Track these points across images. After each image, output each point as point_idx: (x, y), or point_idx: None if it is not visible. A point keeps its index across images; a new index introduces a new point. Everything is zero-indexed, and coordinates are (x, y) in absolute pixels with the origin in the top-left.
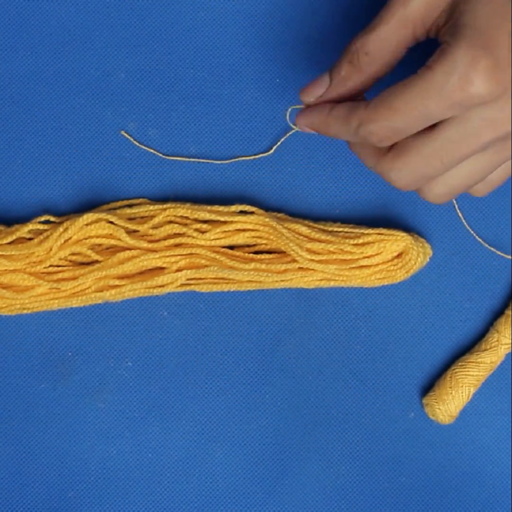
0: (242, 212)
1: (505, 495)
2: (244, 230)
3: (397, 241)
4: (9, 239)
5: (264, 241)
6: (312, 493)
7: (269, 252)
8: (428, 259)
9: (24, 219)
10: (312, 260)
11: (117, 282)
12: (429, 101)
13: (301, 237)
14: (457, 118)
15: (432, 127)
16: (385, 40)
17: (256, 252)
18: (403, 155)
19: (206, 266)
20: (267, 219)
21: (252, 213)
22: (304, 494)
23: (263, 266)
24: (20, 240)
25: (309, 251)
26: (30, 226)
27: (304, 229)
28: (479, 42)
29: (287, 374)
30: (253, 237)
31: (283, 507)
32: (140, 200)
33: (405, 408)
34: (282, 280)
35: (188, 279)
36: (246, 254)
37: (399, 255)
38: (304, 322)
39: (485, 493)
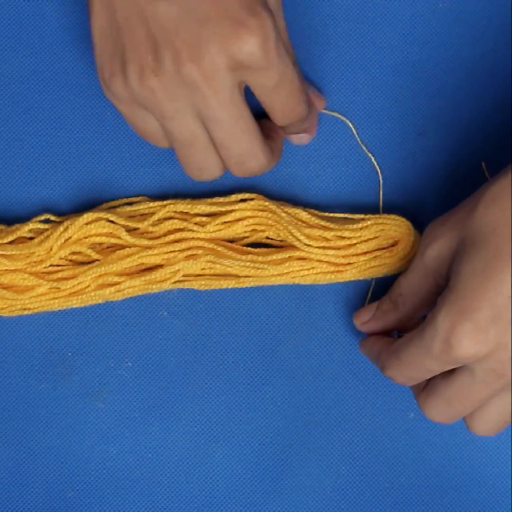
0: (242, 201)
1: (505, 495)
2: (243, 218)
3: (395, 226)
4: (10, 238)
5: (262, 227)
6: (312, 493)
7: (267, 245)
8: None
9: (24, 219)
10: (310, 245)
11: (116, 279)
12: (423, 360)
13: (300, 223)
14: (465, 366)
15: (451, 371)
16: (413, 285)
17: (255, 245)
18: (430, 396)
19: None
20: (266, 203)
21: (252, 200)
22: (304, 494)
23: (260, 258)
24: (20, 240)
25: (307, 236)
26: (31, 226)
27: (304, 215)
28: (458, 307)
29: (287, 374)
30: (252, 224)
31: (283, 507)
32: (140, 198)
33: (405, 408)
34: (279, 274)
35: (185, 275)
36: (244, 247)
37: (395, 243)
38: (304, 322)
39: (485, 493)
